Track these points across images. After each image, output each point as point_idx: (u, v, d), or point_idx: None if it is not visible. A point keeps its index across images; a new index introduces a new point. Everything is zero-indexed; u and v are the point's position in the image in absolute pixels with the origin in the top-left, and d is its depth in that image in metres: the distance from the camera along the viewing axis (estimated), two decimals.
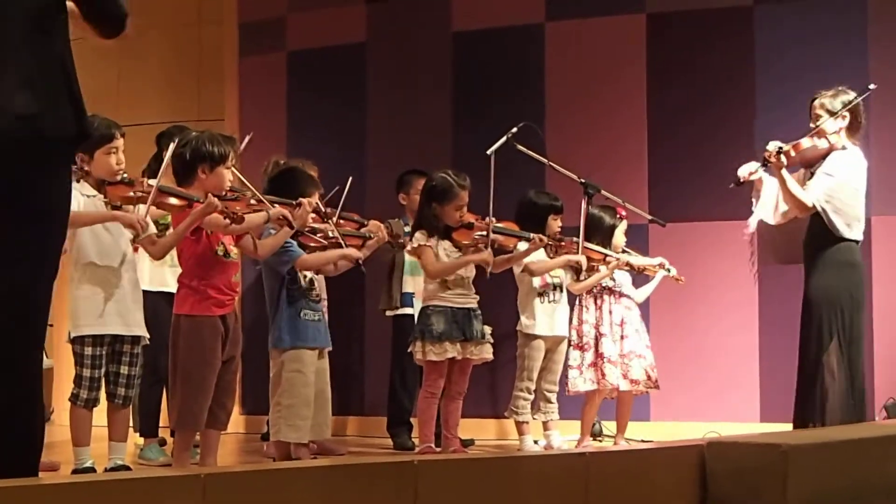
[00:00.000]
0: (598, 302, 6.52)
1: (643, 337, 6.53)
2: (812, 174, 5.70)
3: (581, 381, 6.45)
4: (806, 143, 5.62)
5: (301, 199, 5.33)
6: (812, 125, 5.64)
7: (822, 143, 5.62)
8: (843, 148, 5.63)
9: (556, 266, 6.33)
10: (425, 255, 6.00)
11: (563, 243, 6.33)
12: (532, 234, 6.14)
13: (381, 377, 7.34)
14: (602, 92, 7.51)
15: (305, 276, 5.56)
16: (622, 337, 6.47)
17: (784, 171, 5.59)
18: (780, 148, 5.57)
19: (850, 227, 5.57)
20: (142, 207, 5.01)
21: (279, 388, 5.42)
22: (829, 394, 5.41)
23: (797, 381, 5.59)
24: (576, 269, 6.37)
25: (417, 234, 6.01)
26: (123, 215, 5.01)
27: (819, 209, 5.54)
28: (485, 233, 5.95)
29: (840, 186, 5.58)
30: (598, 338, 6.47)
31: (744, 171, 5.76)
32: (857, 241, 5.62)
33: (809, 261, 5.66)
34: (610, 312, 6.49)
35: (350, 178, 5.89)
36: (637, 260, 6.54)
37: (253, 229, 5.15)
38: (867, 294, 6.51)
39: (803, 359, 5.60)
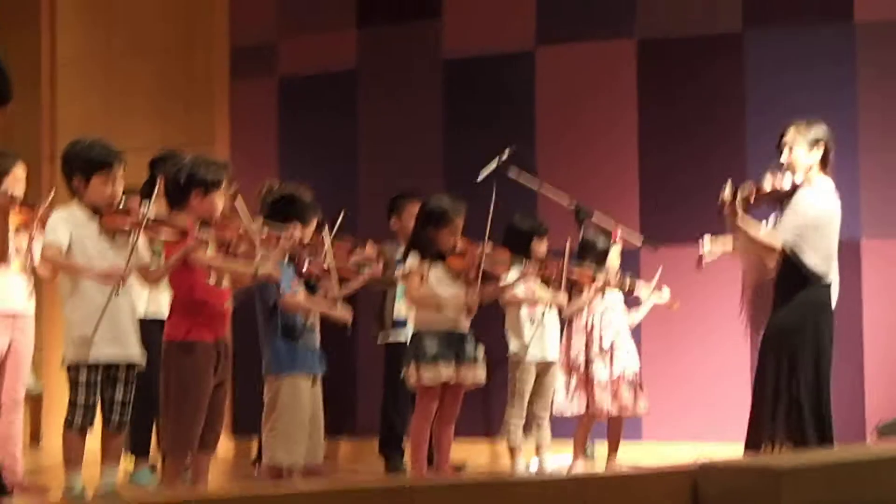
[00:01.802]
0: (588, 324, 6.47)
1: (633, 359, 6.48)
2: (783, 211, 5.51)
3: (567, 405, 6.44)
4: (768, 186, 5.40)
5: (293, 223, 5.27)
6: (785, 159, 5.40)
7: (785, 182, 5.38)
8: (810, 183, 5.38)
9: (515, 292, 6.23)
10: (411, 280, 5.96)
11: (547, 267, 6.28)
12: (521, 264, 6.08)
13: (373, 401, 7.28)
14: (593, 117, 7.52)
15: None
16: (611, 360, 6.40)
17: (742, 216, 5.34)
18: (736, 194, 5.31)
19: (825, 262, 5.33)
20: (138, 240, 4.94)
21: (274, 412, 5.36)
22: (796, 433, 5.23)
23: (750, 414, 5.43)
24: (567, 290, 6.32)
25: (410, 259, 5.95)
26: (100, 274, 4.92)
27: (788, 250, 5.32)
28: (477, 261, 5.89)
29: (810, 224, 5.33)
30: (587, 362, 6.42)
31: (705, 248, 5.59)
32: (828, 285, 5.37)
33: (778, 299, 5.42)
34: (600, 337, 6.44)
35: (343, 211, 5.81)
36: (633, 284, 6.45)
37: (235, 276, 5.09)
38: (857, 314, 6.68)
39: (758, 394, 5.41)
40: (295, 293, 5.46)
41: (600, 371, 6.40)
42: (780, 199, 5.43)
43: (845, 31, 7.00)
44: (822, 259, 5.35)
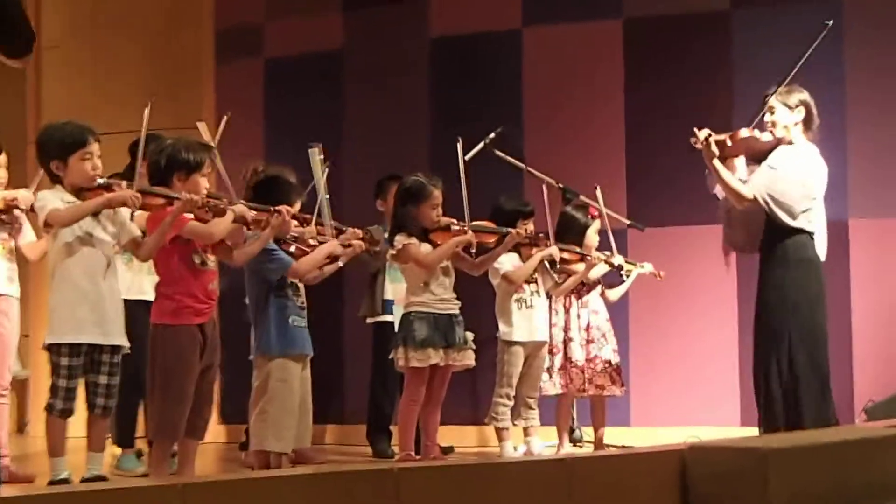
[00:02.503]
0: (567, 305, 6.44)
1: (610, 341, 6.45)
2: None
3: (550, 385, 6.40)
4: (744, 132, 5.46)
5: (280, 206, 5.20)
6: (768, 119, 5.49)
7: (765, 136, 5.48)
8: (791, 143, 5.48)
9: (532, 267, 6.25)
10: (414, 251, 5.84)
11: (538, 241, 6.22)
12: (509, 229, 6.03)
13: (361, 385, 7.21)
14: (580, 96, 7.39)
15: (292, 283, 5.42)
16: (588, 341, 6.39)
17: (716, 162, 5.40)
18: (710, 135, 5.39)
19: (795, 218, 5.39)
20: (123, 211, 4.96)
21: (264, 396, 5.27)
22: (798, 398, 5.24)
23: (755, 389, 5.41)
24: (553, 271, 6.30)
25: (399, 237, 5.87)
26: (114, 196, 4.91)
27: (761, 200, 5.38)
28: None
29: (781, 179, 5.39)
30: (566, 342, 6.40)
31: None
32: (809, 234, 5.42)
33: (763, 254, 5.51)
34: (578, 317, 6.42)
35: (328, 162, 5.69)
36: (617, 259, 6.42)
37: (227, 235, 5.03)
38: (846, 295, 6.66)
39: (757, 365, 5.41)
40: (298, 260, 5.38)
41: (577, 352, 6.36)
42: (759, 155, 5.47)
43: (832, 9, 6.68)
44: (793, 213, 5.34)
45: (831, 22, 5.38)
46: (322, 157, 5.61)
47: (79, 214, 4.93)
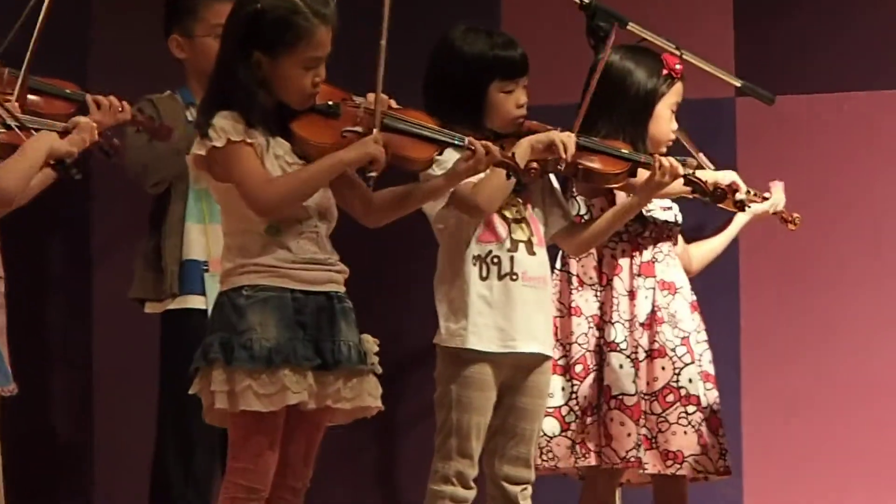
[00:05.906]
0: (603, 268, 5.43)
1: (700, 351, 5.35)
2: None
3: (562, 447, 5.36)
4: None
5: None
6: None
7: None
8: None
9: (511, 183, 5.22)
10: (236, 158, 4.78)
11: (544, 159, 5.32)
12: (463, 136, 5.03)
13: (132, 454, 6.23)
14: None
15: None
16: (653, 353, 5.35)
17: None
18: None
19: None
20: None
21: None
22: None
23: None
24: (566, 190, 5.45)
25: (219, 120, 4.76)
26: None
27: None
28: (361, 129, 4.94)
29: None
30: (601, 350, 5.37)
31: None
32: None
33: None
34: (629, 296, 5.35)
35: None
36: (707, 174, 5.35)
37: None
38: None
39: None
40: None
41: (627, 375, 5.33)
42: None
43: None
44: None
45: None
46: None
47: None
